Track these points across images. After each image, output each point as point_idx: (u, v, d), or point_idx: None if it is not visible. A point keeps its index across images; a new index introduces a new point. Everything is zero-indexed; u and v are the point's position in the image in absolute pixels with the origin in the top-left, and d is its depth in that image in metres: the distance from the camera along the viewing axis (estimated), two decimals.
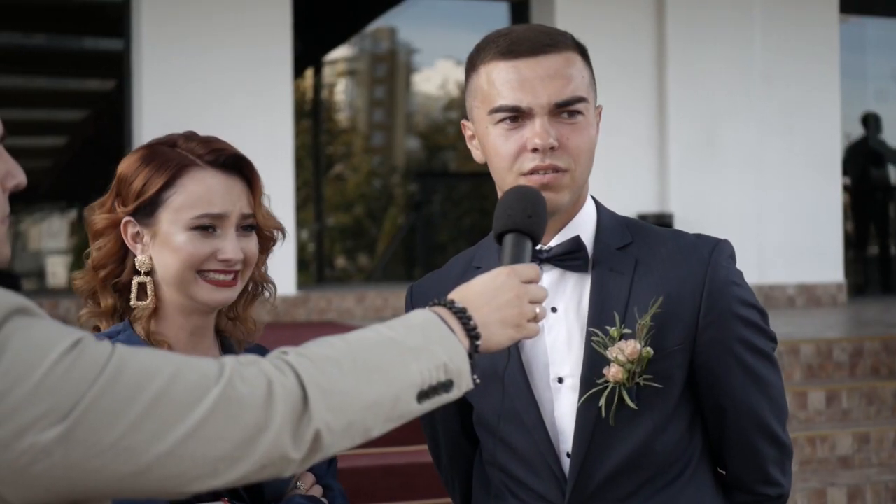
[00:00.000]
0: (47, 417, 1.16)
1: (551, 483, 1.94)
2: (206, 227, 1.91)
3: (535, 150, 1.85)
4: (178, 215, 1.91)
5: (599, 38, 8.35)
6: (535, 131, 1.85)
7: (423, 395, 1.38)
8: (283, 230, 2.05)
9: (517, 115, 1.87)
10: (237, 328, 2.06)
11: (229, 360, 1.29)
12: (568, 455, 1.93)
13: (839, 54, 10.52)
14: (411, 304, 2.09)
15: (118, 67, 9.21)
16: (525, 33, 1.91)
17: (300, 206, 10.42)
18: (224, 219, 1.92)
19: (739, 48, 10.08)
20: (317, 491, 2.01)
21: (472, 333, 1.47)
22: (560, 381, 1.93)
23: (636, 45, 9.87)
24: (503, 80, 1.88)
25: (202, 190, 1.91)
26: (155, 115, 8.54)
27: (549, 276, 1.94)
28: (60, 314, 7.81)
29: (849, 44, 11.19)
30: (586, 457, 1.91)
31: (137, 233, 1.95)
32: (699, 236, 2.00)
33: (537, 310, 1.57)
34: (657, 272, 1.93)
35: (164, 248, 1.92)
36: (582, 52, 1.96)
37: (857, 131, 11.87)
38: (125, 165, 1.97)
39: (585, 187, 1.98)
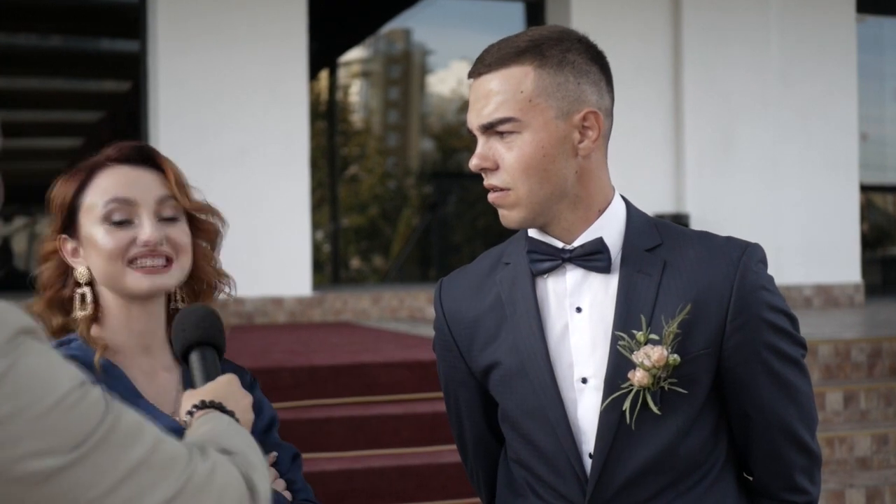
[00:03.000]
0: (48, 453, 1.15)
1: (573, 483, 1.94)
2: (121, 220, 1.94)
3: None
4: (91, 212, 1.95)
5: (615, 39, 8.34)
6: (475, 153, 1.91)
7: None
8: (220, 216, 2.06)
9: (473, 136, 1.93)
10: None
11: (191, 444, 1.32)
12: (590, 456, 1.93)
13: (856, 54, 10.48)
14: (440, 299, 2.09)
15: (134, 68, 9.23)
16: (485, 52, 1.93)
17: (315, 208, 10.43)
18: (136, 207, 1.94)
19: (755, 48, 10.06)
20: (280, 485, 1.98)
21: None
22: (584, 381, 1.93)
23: (652, 45, 9.86)
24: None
25: (108, 183, 1.96)
26: (171, 116, 8.57)
27: (573, 276, 1.94)
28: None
29: (866, 43, 11.15)
30: (608, 458, 1.90)
31: (75, 248, 1.99)
32: (729, 239, 1.97)
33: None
34: (685, 275, 1.91)
35: (90, 250, 1.96)
36: (544, 59, 1.87)
37: (874, 131, 11.82)
38: (51, 191, 2.02)
39: (592, 193, 1.93)
